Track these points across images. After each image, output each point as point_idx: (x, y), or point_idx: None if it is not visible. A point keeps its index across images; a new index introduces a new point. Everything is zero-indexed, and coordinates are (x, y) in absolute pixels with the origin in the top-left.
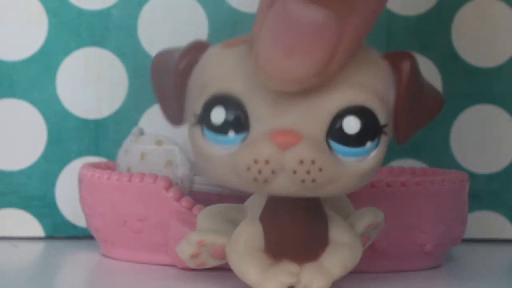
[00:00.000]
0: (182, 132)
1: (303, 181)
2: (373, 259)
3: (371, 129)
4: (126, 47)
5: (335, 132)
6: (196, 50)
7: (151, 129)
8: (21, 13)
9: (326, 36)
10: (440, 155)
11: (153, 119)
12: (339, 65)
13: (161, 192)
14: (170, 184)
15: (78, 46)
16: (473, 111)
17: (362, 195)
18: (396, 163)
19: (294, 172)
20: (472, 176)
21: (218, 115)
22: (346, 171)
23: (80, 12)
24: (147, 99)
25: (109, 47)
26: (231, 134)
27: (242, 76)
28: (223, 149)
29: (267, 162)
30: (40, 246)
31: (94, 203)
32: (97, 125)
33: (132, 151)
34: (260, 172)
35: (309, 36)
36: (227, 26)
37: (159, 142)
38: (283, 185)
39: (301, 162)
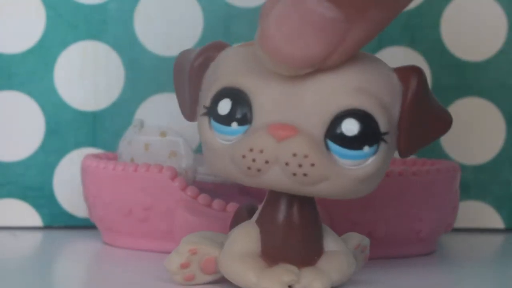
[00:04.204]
0: (181, 122)
1: (294, 174)
2: (372, 246)
3: (370, 134)
4: (123, 40)
5: (333, 133)
6: (214, 48)
7: (148, 120)
8: (19, 6)
9: (330, 34)
10: (429, 147)
11: (150, 110)
12: (335, 63)
13: (167, 181)
14: (175, 174)
15: (75, 39)
16: (461, 103)
17: None
18: None
19: (287, 164)
20: (460, 167)
21: (225, 106)
22: (341, 172)
23: (78, 6)
24: (144, 91)
25: (106, 40)
26: (234, 125)
27: (250, 72)
28: (226, 140)
29: (261, 151)
30: (38, 235)
31: (99, 193)
32: (94, 116)
33: (135, 142)
34: (254, 160)
35: (315, 29)
36: (222, 20)
37: (163, 133)
38: (276, 177)
39: (294, 154)
